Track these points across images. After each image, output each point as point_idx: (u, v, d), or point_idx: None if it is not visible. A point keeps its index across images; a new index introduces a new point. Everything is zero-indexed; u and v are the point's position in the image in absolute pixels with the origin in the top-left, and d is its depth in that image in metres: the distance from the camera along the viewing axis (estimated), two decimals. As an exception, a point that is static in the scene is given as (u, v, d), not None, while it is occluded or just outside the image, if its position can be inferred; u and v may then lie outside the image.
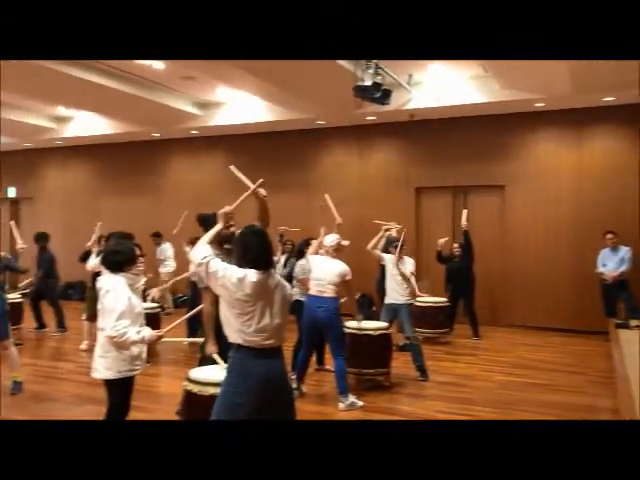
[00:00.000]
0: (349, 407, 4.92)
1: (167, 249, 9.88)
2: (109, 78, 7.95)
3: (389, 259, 6.10)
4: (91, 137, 11.39)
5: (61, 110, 10.66)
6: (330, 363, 5.97)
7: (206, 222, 3.98)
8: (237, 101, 9.63)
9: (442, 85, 8.42)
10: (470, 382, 5.89)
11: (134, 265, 3.55)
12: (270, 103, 9.14)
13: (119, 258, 3.49)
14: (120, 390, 3.52)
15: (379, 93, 6.99)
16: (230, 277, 2.78)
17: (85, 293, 10.74)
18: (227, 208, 3.32)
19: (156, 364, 6.41)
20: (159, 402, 5.11)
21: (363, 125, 9.94)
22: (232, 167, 3.50)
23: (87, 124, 11.07)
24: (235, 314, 2.80)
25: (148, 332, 3.36)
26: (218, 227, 3.15)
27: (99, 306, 3.41)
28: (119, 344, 3.34)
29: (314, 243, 5.48)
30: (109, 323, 3.28)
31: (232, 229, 3.89)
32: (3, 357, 5.38)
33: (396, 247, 6.01)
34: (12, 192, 13.35)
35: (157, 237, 9.87)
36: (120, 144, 11.84)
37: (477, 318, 8.14)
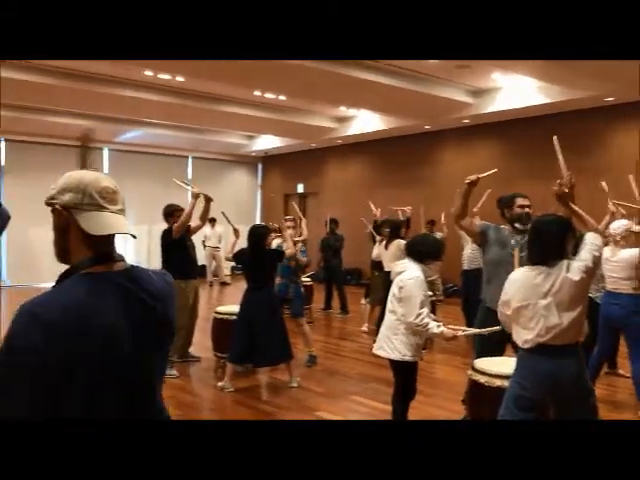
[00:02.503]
0: (651, 418, 4.37)
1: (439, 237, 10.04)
2: (387, 76, 8.35)
3: None
4: (367, 134, 12.13)
5: (343, 110, 11.56)
6: (624, 367, 5.38)
7: (502, 203, 4.00)
8: (511, 85, 9.25)
9: None
10: None
11: (436, 260, 3.68)
12: (548, 83, 8.55)
13: (425, 250, 3.65)
14: (405, 372, 3.69)
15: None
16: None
17: (364, 279, 11.65)
18: (473, 177, 3.69)
19: (431, 351, 6.56)
20: (438, 387, 5.22)
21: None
22: (555, 138, 3.40)
23: (364, 122, 11.85)
24: (519, 322, 2.76)
25: (447, 329, 3.50)
26: None
27: (395, 291, 3.60)
28: (417, 331, 3.50)
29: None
30: (412, 310, 3.45)
31: (527, 210, 3.82)
32: (298, 333, 6.09)
33: None
34: (301, 188, 15.01)
35: (431, 225, 10.04)
36: (394, 138, 12.35)
37: None
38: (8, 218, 4.43)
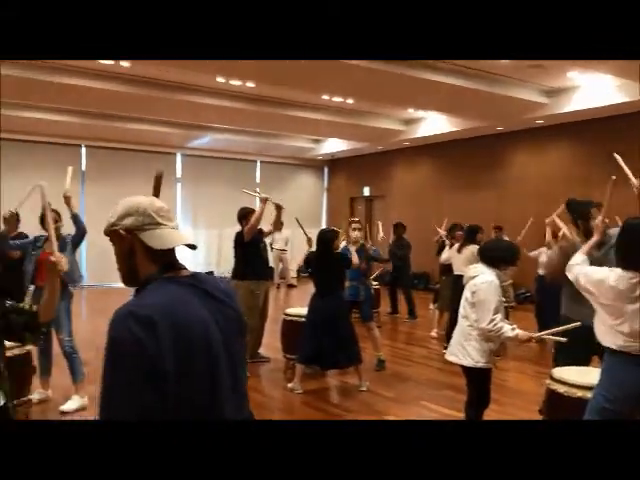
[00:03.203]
0: None
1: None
2: (456, 77, 8.20)
3: None
4: (436, 136, 11.96)
5: (410, 112, 11.45)
6: None
7: (576, 209, 3.80)
8: (589, 84, 8.88)
9: None
10: None
11: (511, 266, 3.58)
12: (629, 81, 8.15)
13: (499, 255, 3.56)
14: (478, 380, 3.60)
15: None
16: (590, 280, 2.69)
17: (432, 284, 11.48)
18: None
19: (504, 358, 6.38)
20: (510, 396, 5.07)
21: None
22: (616, 156, 3.24)
23: (433, 124, 11.69)
24: (604, 318, 2.64)
25: (522, 332, 3.39)
26: (594, 239, 3.08)
27: (468, 296, 3.53)
28: (490, 337, 3.42)
29: None
30: (485, 316, 3.37)
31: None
32: (368, 337, 6.06)
33: None
34: (367, 191, 14.98)
35: (498, 230, 9.77)
36: (463, 140, 12.12)
37: None
38: (85, 232, 4.66)
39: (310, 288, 5.27)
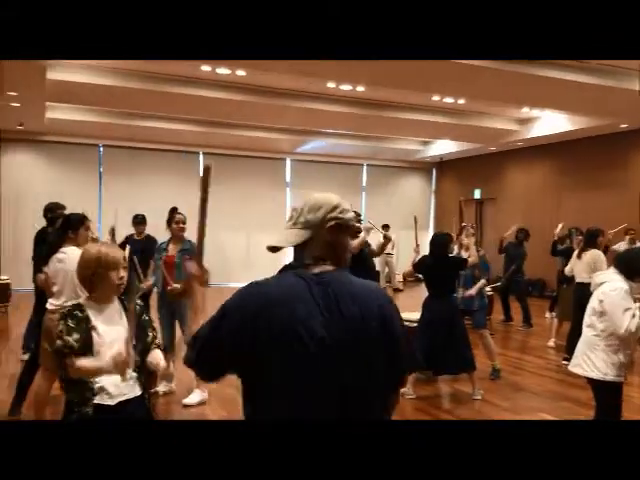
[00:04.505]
0: None
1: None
2: (577, 73, 7.75)
3: None
4: (553, 135, 11.39)
5: (525, 112, 10.99)
6: None
7: None
8: None
9: None
10: None
11: None
12: None
13: (637, 266, 3.36)
14: (607, 394, 3.40)
15: None
16: None
17: (548, 291, 10.92)
18: None
19: (630, 373, 5.93)
20: (639, 414, 4.72)
21: None
22: None
23: (549, 123, 11.14)
24: None
25: None
26: None
27: (595, 304, 3.34)
28: (626, 342, 3.24)
29: None
30: (622, 322, 3.21)
31: None
32: (480, 345, 5.87)
33: None
34: (477, 194, 14.53)
35: (632, 233, 9.07)
36: (583, 139, 11.45)
37: None
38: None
39: (416, 292, 5.23)
